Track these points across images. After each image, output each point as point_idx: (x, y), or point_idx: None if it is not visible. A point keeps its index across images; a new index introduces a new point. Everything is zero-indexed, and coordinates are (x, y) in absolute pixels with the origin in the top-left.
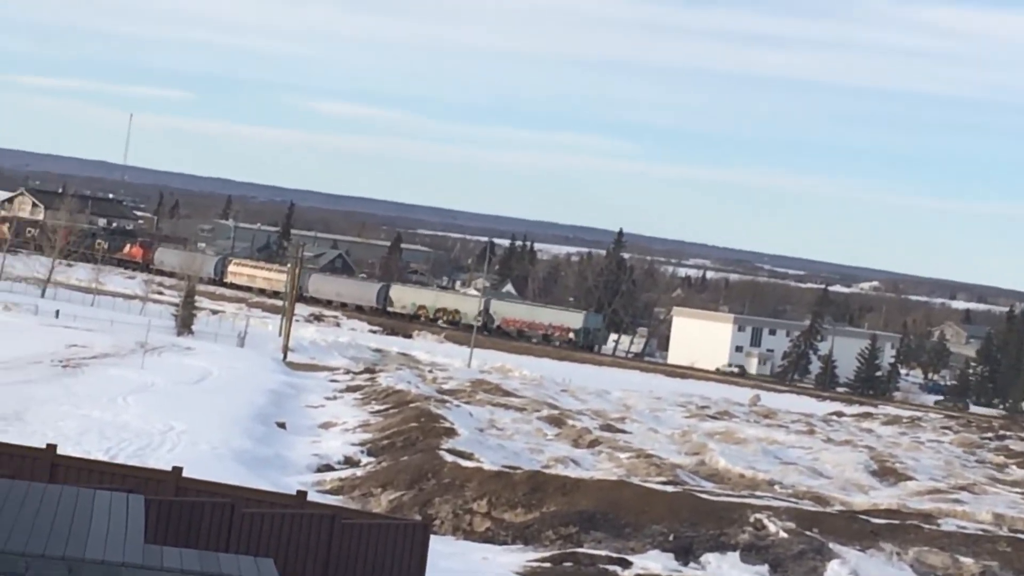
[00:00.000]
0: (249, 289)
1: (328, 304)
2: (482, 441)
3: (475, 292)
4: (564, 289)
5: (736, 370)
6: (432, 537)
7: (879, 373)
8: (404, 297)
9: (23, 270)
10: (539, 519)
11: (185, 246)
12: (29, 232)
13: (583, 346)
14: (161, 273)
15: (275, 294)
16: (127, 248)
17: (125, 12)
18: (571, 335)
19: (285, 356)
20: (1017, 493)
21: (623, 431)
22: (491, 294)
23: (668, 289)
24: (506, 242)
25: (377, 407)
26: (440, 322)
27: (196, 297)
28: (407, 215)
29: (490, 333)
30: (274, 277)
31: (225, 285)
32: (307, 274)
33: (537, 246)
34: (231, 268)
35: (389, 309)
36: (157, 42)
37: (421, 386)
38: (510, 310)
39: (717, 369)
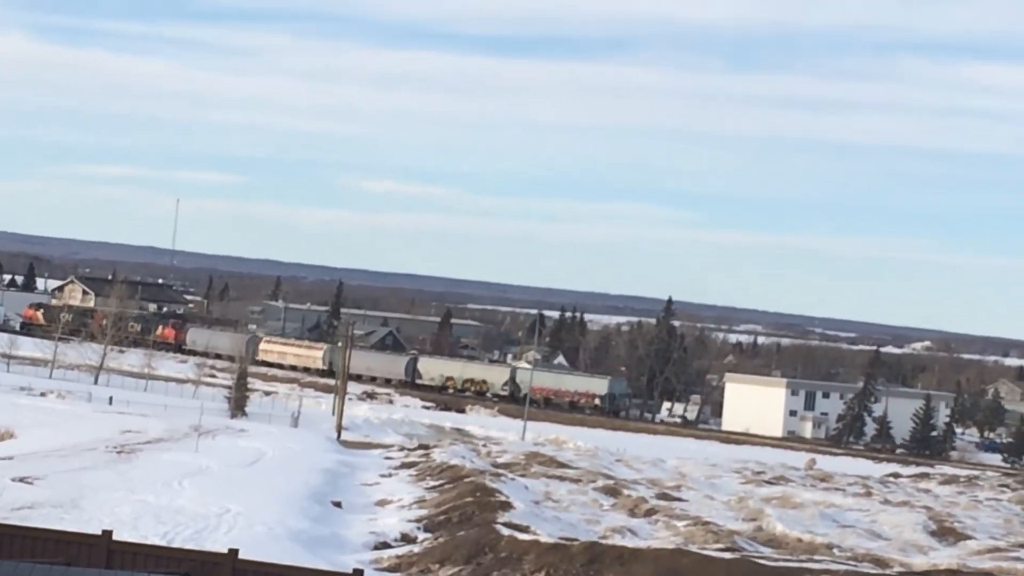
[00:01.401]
0: (280, 366)
1: (359, 379)
2: (538, 514)
3: (527, 365)
4: (615, 359)
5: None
6: None
7: (934, 433)
8: (432, 369)
9: (76, 357)
10: None
11: (236, 328)
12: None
13: (609, 412)
14: (194, 353)
15: (306, 370)
16: (159, 330)
17: (169, 97)
18: (597, 401)
19: (339, 435)
20: None
21: (679, 499)
22: (542, 366)
23: (719, 355)
24: (556, 314)
25: (432, 483)
26: (468, 393)
27: (248, 379)
28: (456, 290)
29: (518, 403)
30: (303, 353)
31: (256, 363)
32: (336, 350)
33: (587, 317)
34: (262, 346)
35: (418, 381)
36: (202, 126)
37: (475, 460)
38: (536, 378)
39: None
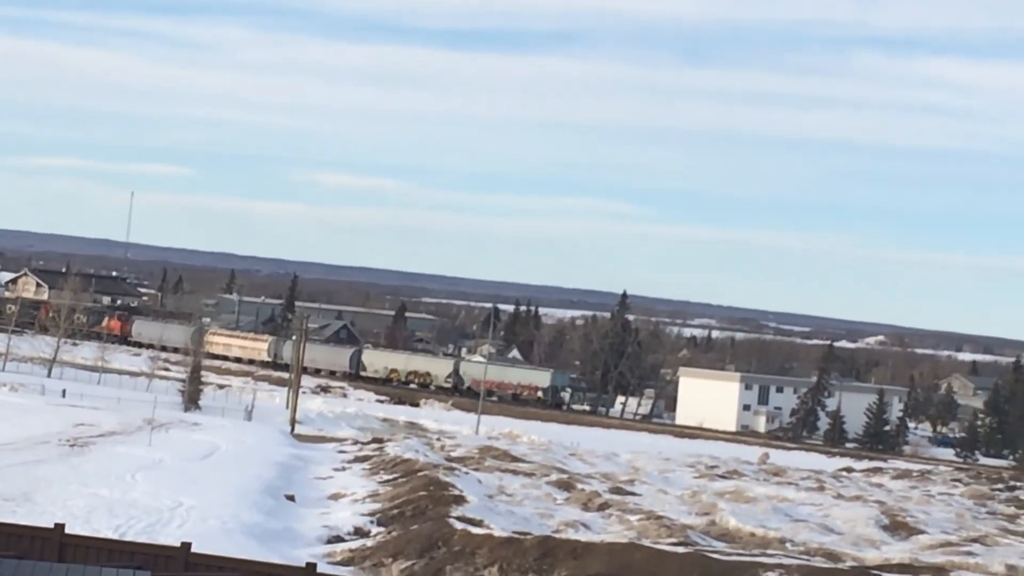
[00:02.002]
0: (226, 358)
1: (304, 371)
2: (492, 508)
3: (481, 359)
4: (570, 353)
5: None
6: None
7: (887, 427)
8: (376, 361)
9: (29, 350)
10: None
11: (190, 321)
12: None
13: (551, 404)
14: (139, 345)
15: (250, 362)
16: (105, 322)
17: (122, 90)
18: (539, 394)
19: (293, 428)
20: None
21: (633, 493)
22: (496, 360)
23: (674, 350)
24: (511, 308)
25: (386, 476)
26: (412, 385)
27: (202, 372)
28: (411, 284)
29: (461, 394)
30: (249, 345)
31: (204, 355)
32: (281, 342)
33: (542, 311)
34: (207, 338)
35: (362, 373)
36: (156, 119)
37: (429, 454)
38: (479, 371)
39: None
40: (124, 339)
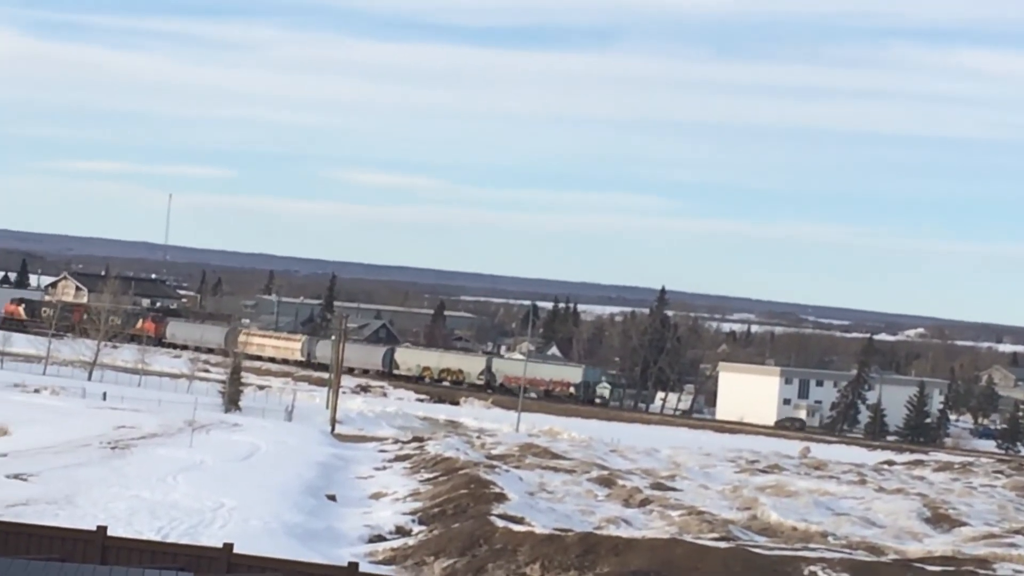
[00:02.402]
0: (259, 358)
1: None
2: (533, 505)
3: (520, 356)
4: (609, 349)
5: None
6: None
7: (928, 420)
8: (409, 359)
9: (69, 354)
10: None
11: (228, 323)
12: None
13: (584, 400)
14: (173, 346)
15: (284, 361)
16: (139, 323)
17: (159, 92)
18: (571, 389)
19: (333, 428)
20: None
21: (674, 489)
22: (534, 357)
23: (713, 345)
24: (549, 305)
25: (427, 475)
26: (445, 382)
27: (242, 373)
28: (449, 282)
29: (493, 391)
30: (282, 345)
31: (235, 355)
32: (314, 341)
33: (580, 307)
34: (241, 338)
35: (395, 372)
36: (192, 121)
37: (470, 452)
38: (511, 367)
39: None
40: (159, 340)
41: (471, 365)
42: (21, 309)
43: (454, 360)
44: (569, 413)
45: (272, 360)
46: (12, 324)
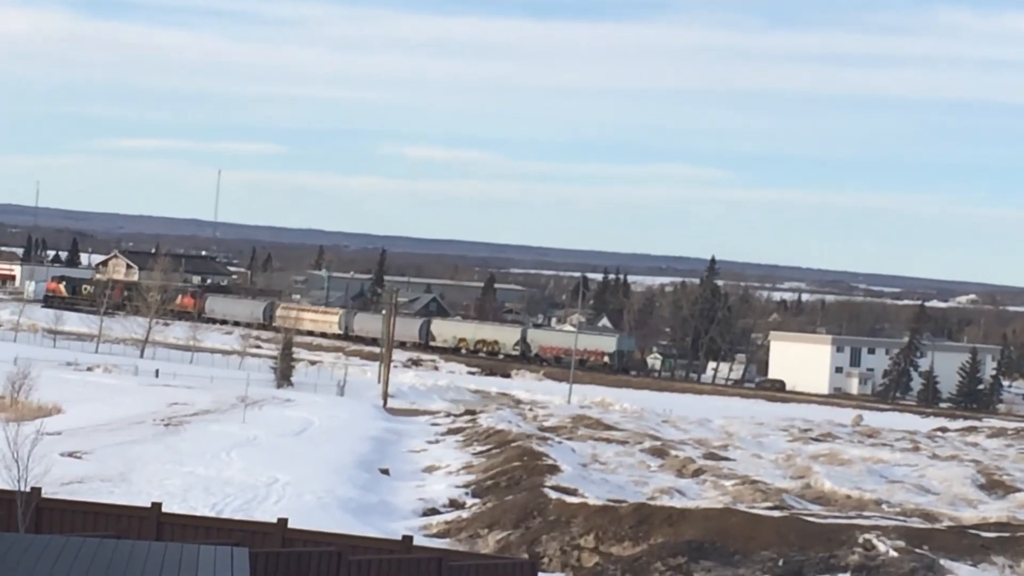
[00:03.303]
0: (298, 331)
1: (373, 342)
2: (586, 476)
3: (571, 328)
4: (660, 320)
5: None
6: (540, 575)
7: (981, 386)
8: (445, 331)
9: (121, 331)
10: (647, 551)
11: (279, 298)
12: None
13: (618, 369)
14: (212, 321)
15: (322, 335)
16: (178, 299)
17: (208, 70)
18: (606, 359)
19: (385, 402)
20: None
21: (726, 458)
22: (586, 329)
23: (764, 314)
24: (599, 276)
25: (479, 448)
26: (480, 353)
27: (294, 348)
28: (499, 255)
29: (529, 361)
30: (320, 319)
31: (274, 329)
32: (352, 313)
33: (631, 278)
34: (278, 312)
35: (431, 344)
36: (241, 97)
37: (522, 425)
38: (546, 338)
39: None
40: (198, 315)
41: (506, 336)
42: (62, 286)
43: (489, 331)
44: (619, 384)
45: (311, 333)
46: (54, 300)
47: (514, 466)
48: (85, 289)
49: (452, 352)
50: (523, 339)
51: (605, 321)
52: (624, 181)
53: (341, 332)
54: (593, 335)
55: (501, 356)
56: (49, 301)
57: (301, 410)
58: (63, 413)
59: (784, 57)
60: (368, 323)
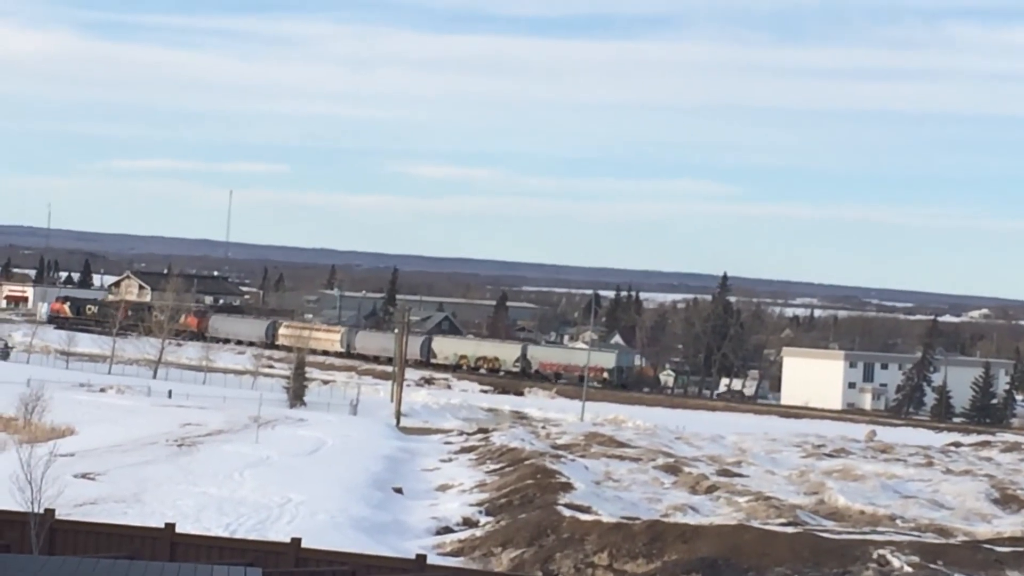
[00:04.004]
0: (300, 349)
1: (375, 360)
2: (599, 494)
3: (583, 345)
4: (672, 336)
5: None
6: None
7: (995, 401)
8: (446, 348)
9: (133, 352)
10: (661, 568)
11: (292, 318)
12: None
13: (618, 384)
14: (216, 340)
15: (324, 353)
16: (182, 319)
17: (217, 90)
18: (605, 374)
19: (398, 421)
20: None
21: (740, 475)
22: (600, 345)
23: (776, 330)
24: (612, 293)
25: (492, 466)
26: (481, 370)
27: (306, 368)
28: (511, 273)
29: (529, 377)
30: (322, 337)
31: (276, 347)
32: (353, 332)
33: (643, 295)
34: (281, 331)
35: (432, 361)
36: (250, 117)
37: (535, 443)
38: (546, 354)
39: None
40: (201, 335)
41: (506, 352)
42: (67, 307)
43: (489, 348)
44: (632, 401)
45: (313, 352)
46: (59, 321)
47: (527, 484)
48: (89, 309)
49: (453, 369)
50: (523, 355)
51: (617, 338)
52: (635, 197)
53: (343, 350)
54: (593, 351)
55: (501, 372)
56: (53, 321)
57: (314, 430)
58: (76, 434)
59: (793, 72)
60: (370, 341)
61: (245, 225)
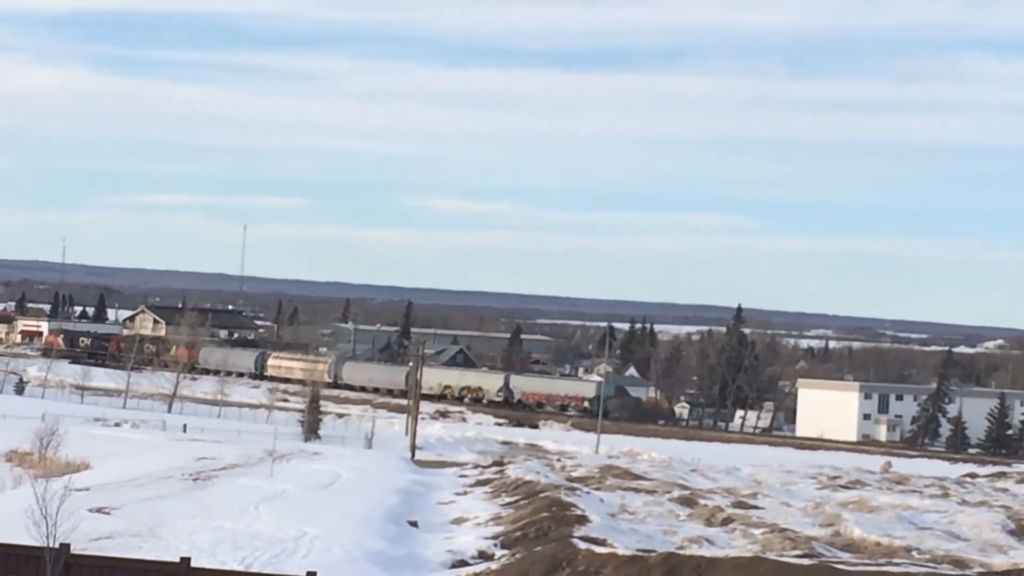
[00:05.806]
0: (288, 380)
1: (362, 390)
2: (615, 526)
3: (598, 378)
4: (687, 369)
5: None
6: None
7: (1010, 432)
8: (431, 378)
9: (148, 387)
10: None
11: (306, 352)
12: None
13: (594, 414)
14: (207, 372)
15: (313, 383)
16: (173, 350)
17: (231, 124)
18: (586, 404)
19: (413, 454)
20: None
21: (755, 507)
22: (615, 379)
23: (791, 361)
24: (626, 326)
25: (508, 499)
26: (465, 399)
27: (321, 402)
28: (526, 306)
29: (512, 407)
30: (309, 367)
31: (265, 378)
32: (341, 363)
33: (657, 327)
34: (270, 362)
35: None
36: (265, 152)
37: (550, 475)
38: (528, 384)
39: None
40: (192, 366)
41: (489, 383)
42: (60, 339)
43: (473, 378)
44: (647, 434)
45: (301, 383)
46: (52, 353)
47: (543, 517)
48: (82, 341)
49: (438, 399)
50: (506, 385)
51: (632, 370)
52: (649, 230)
53: (331, 380)
54: (573, 381)
55: (485, 401)
56: (48, 353)
57: (329, 463)
58: (91, 469)
59: (806, 104)
60: (356, 372)
61: (260, 259)
